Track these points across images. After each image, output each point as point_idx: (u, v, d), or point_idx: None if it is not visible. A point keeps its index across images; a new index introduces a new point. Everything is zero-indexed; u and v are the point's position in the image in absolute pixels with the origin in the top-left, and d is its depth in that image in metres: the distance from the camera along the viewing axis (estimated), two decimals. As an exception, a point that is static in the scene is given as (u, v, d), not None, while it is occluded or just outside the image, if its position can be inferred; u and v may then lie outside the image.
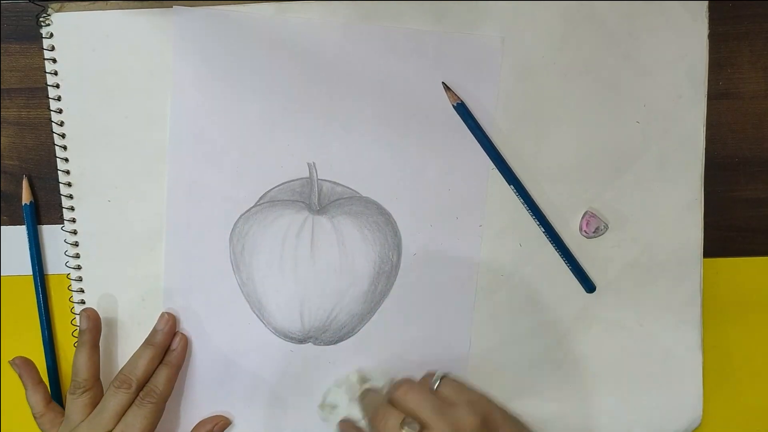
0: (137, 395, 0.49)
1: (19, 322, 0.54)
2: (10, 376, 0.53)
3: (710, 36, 0.50)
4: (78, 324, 0.51)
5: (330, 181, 0.51)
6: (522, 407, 0.53)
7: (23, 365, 0.51)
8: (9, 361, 0.51)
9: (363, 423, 0.48)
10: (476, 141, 0.50)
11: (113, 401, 0.48)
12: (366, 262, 0.52)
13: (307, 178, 0.51)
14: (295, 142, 0.51)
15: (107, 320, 0.52)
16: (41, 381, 0.51)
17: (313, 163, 0.51)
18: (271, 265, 0.52)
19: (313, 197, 0.51)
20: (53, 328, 0.53)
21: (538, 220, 0.51)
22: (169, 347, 0.51)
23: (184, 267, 0.52)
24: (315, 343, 0.53)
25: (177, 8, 0.49)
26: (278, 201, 0.51)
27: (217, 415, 0.53)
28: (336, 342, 0.53)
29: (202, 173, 0.51)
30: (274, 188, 0.51)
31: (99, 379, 0.51)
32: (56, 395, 0.53)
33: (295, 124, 0.51)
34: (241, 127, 0.51)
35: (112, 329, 0.53)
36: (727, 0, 0.50)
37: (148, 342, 0.51)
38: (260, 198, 0.51)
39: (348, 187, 0.51)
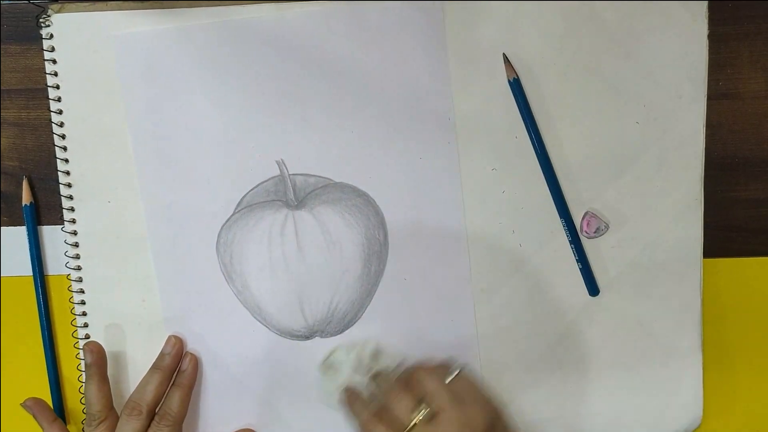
0: (150, 421, 0.49)
1: (19, 323, 0.54)
2: (10, 376, 0.53)
3: (710, 36, 0.49)
4: (83, 358, 0.51)
5: (302, 174, 0.51)
6: (522, 407, 0.53)
7: (35, 406, 0.51)
8: (21, 404, 0.51)
9: (373, 402, 0.48)
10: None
11: (127, 428, 0.48)
12: (354, 246, 0.51)
13: (278, 176, 0.51)
14: (260, 143, 0.50)
15: (107, 321, 0.52)
16: (56, 418, 0.51)
17: (282, 160, 0.51)
18: (263, 269, 0.52)
19: (289, 193, 0.51)
20: (53, 328, 0.53)
21: (565, 221, 0.51)
22: (179, 369, 0.51)
23: (178, 291, 0.52)
24: (322, 336, 0.52)
25: (117, 34, 0.49)
26: (256, 204, 0.51)
27: (244, 429, 0.52)
28: (342, 331, 0.52)
29: (176, 194, 0.51)
30: (248, 192, 0.51)
31: (113, 408, 0.50)
32: (57, 395, 0.53)
33: (257, 125, 0.50)
34: (203, 139, 0.50)
35: (113, 330, 0.52)
36: (727, 0, 0.50)
37: (155, 366, 0.51)
38: (237, 205, 0.51)
39: (320, 176, 0.51)
